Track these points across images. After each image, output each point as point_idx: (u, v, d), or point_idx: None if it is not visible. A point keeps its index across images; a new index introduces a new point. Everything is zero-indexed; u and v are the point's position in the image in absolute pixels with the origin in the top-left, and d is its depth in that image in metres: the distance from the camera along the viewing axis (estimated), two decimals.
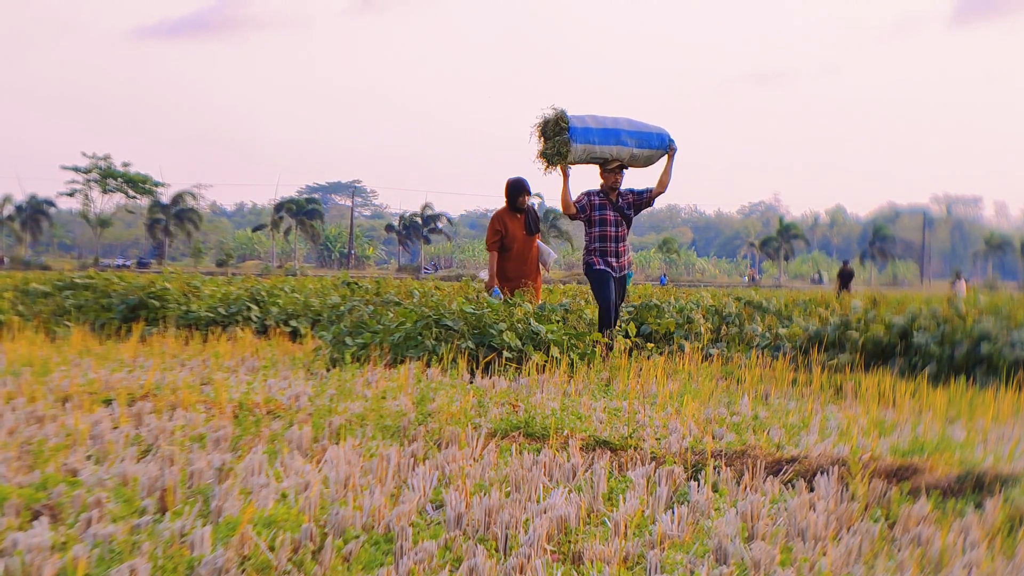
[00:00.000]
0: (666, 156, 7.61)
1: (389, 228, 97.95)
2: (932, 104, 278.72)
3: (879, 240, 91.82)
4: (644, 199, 7.67)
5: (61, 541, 2.34)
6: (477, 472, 3.19)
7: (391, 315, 7.23)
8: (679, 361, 6.96)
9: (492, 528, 2.59)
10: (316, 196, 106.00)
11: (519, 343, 6.26)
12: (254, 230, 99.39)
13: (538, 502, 2.88)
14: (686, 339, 8.41)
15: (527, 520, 2.69)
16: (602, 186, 7.63)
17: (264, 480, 2.93)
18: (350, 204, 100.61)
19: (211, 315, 9.04)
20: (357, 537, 2.48)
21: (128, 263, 70.89)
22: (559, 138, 7.30)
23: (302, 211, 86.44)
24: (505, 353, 6.15)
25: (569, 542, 2.58)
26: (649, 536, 2.60)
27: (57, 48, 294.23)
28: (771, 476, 3.27)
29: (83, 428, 3.60)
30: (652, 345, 7.92)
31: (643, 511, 2.85)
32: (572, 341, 6.56)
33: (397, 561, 2.36)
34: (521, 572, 2.31)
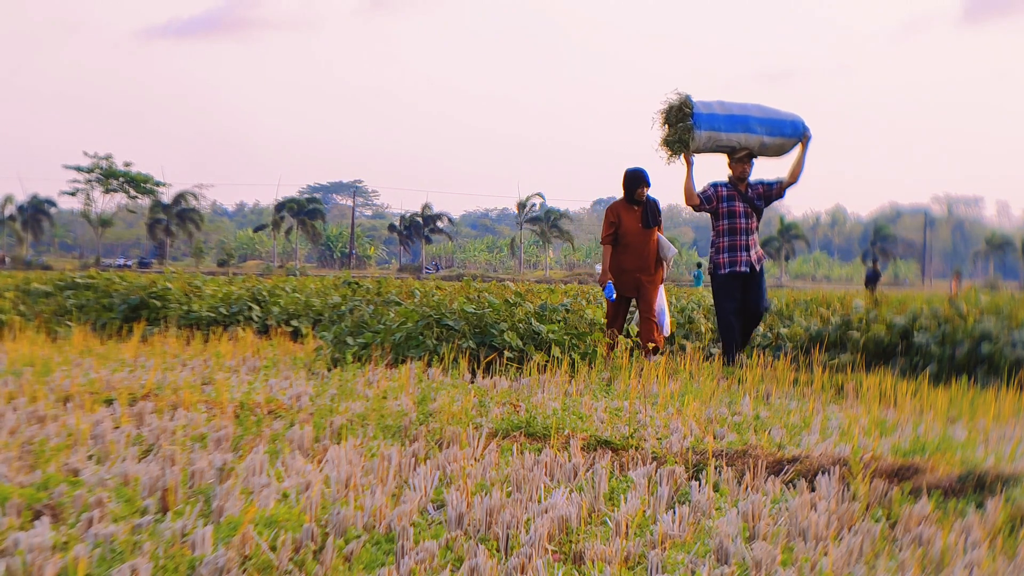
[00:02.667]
0: (799, 145, 7.17)
1: (391, 228, 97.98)
2: (938, 104, 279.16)
3: (880, 240, 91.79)
4: (775, 191, 7.25)
5: (62, 541, 2.34)
6: (478, 472, 3.19)
7: (392, 315, 7.23)
8: (680, 361, 6.95)
9: (493, 528, 2.59)
10: (317, 196, 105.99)
11: (520, 343, 6.26)
12: (255, 230, 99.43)
13: (539, 502, 2.88)
14: (687, 339, 8.41)
15: (528, 520, 2.69)
16: (730, 177, 7.23)
17: (265, 480, 2.93)
18: (351, 204, 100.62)
19: (212, 315, 9.05)
20: (358, 537, 2.48)
21: (129, 263, 70.94)
22: (682, 125, 6.93)
23: (303, 211, 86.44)
24: (506, 353, 6.15)
25: (570, 542, 2.58)
26: (650, 536, 2.60)
27: (65, 49, 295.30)
28: (772, 476, 3.27)
29: (84, 428, 3.60)
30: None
31: (644, 511, 2.85)
32: (573, 341, 6.56)
33: (398, 561, 2.36)
34: (522, 572, 2.31)
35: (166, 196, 78.99)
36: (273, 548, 2.33)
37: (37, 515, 2.56)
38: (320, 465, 3.25)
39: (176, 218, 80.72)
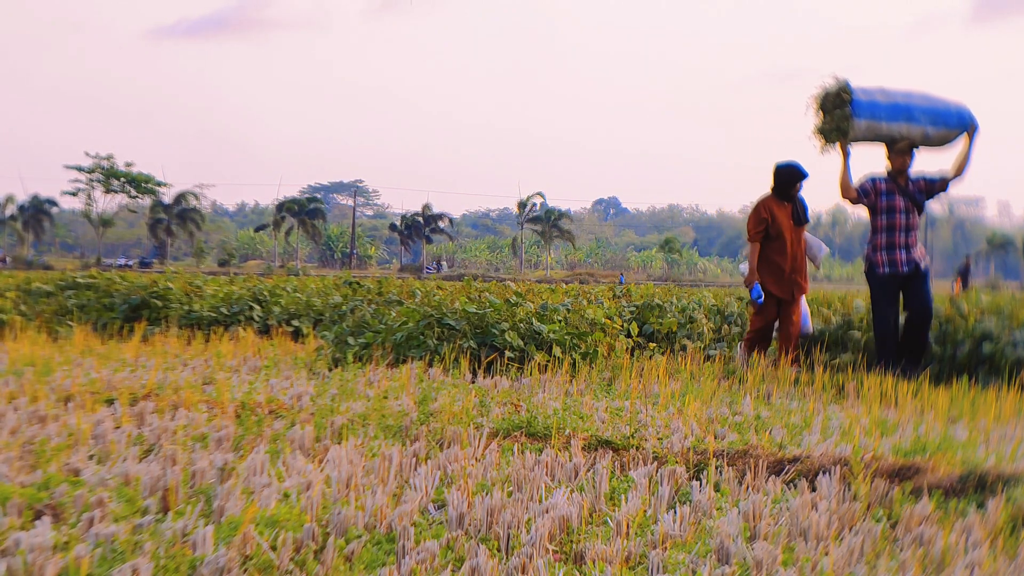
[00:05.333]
0: (964, 136, 6.66)
1: (391, 228, 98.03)
2: None
3: None
4: (937, 186, 6.72)
5: (63, 541, 2.34)
6: (479, 472, 3.19)
7: (393, 315, 7.23)
8: (681, 361, 6.95)
9: (494, 528, 2.59)
10: (318, 196, 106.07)
11: (521, 343, 6.26)
12: (256, 230, 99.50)
13: (540, 502, 2.88)
14: (688, 339, 8.41)
15: (529, 520, 2.69)
16: (888, 170, 6.74)
17: (266, 480, 2.93)
18: (352, 204, 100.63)
19: (213, 315, 9.05)
20: (359, 537, 2.48)
21: (130, 263, 70.99)
22: (840, 112, 6.48)
23: (304, 211, 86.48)
24: (507, 353, 6.15)
25: (571, 542, 2.58)
26: (651, 536, 2.60)
27: (72, 49, 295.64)
28: (773, 476, 3.27)
29: (85, 428, 3.60)
30: (654, 345, 7.92)
31: (645, 511, 2.85)
32: (574, 341, 6.56)
33: (399, 561, 2.36)
34: (523, 572, 2.31)
35: (167, 196, 79.08)
36: (274, 548, 2.33)
37: (38, 515, 2.56)
38: (321, 465, 3.25)
39: (177, 218, 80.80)
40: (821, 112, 6.65)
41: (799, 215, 7.13)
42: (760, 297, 7.02)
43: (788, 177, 7.05)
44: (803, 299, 7.23)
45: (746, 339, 7.18)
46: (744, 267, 7.39)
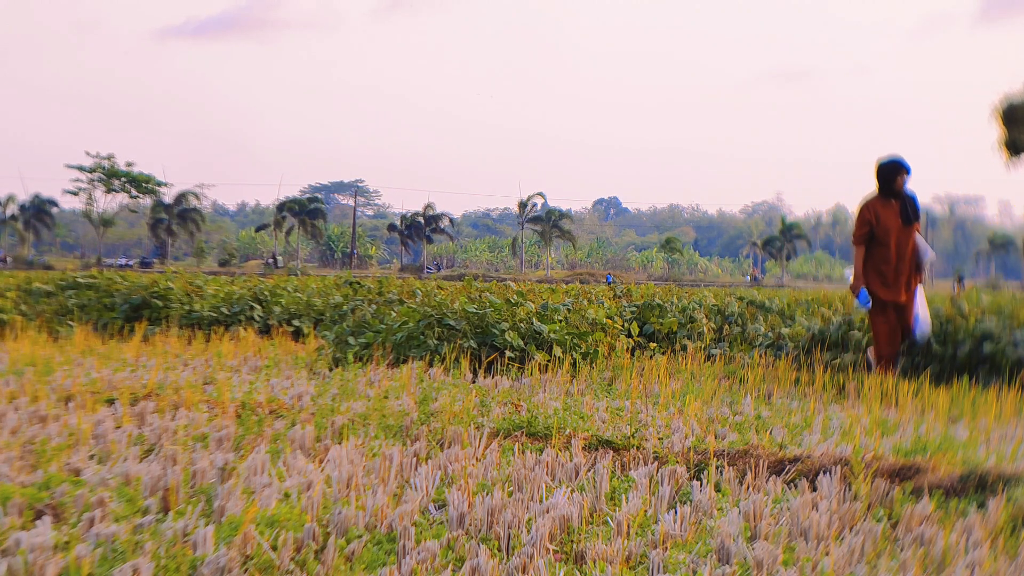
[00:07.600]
0: None
1: (391, 228, 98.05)
2: (947, 103, 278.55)
3: None
4: None
5: (64, 541, 2.34)
6: (480, 472, 3.19)
7: (394, 315, 7.24)
8: (682, 361, 6.95)
9: (495, 528, 2.59)
10: (319, 196, 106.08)
11: (521, 343, 6.26)
12: (257, 230, 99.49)
13: (540, 502, 2.88)
14: (689, 339, 8.41)
15: (530, 520, 2.69)
16: None
17: (267, 480, 2.93)
18: (353, 204, 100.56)
19: (214, 315, 9.05)
20: (360, 537, 2.48)
21: (131, 263, 71.05)
22: None
23: (305, 211, 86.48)
24: (508, 353, 6.15)
25: (572, 542, 2.58)
26: (652, 536, 2.60)
27: (78, 49, 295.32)
28: (774, 476, 3.27)
29: (86, 428, 3.60)
30: (655, 345, 7.93)
31: (646, 511, 2.85)
32: (574, 341, 6.55)
33: (400, 561, 2.36)
34: (524, 572, 2.31)
35: (168, 196, 79.09)
36: (274, 548, 2.33)
37: (39, 515, 2.56)
38: (322, 465, 3.25)
39: (177, 218, 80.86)
40: (1008, 124, 6.14)
41: (907, 213, 6.72)
42: (868, 302, 6.66)
43: (890, 172, 6.68)
44: (923, 301, 6.86)
45: (874, 349, 6.78)
46: (849, 272, 6.98)
